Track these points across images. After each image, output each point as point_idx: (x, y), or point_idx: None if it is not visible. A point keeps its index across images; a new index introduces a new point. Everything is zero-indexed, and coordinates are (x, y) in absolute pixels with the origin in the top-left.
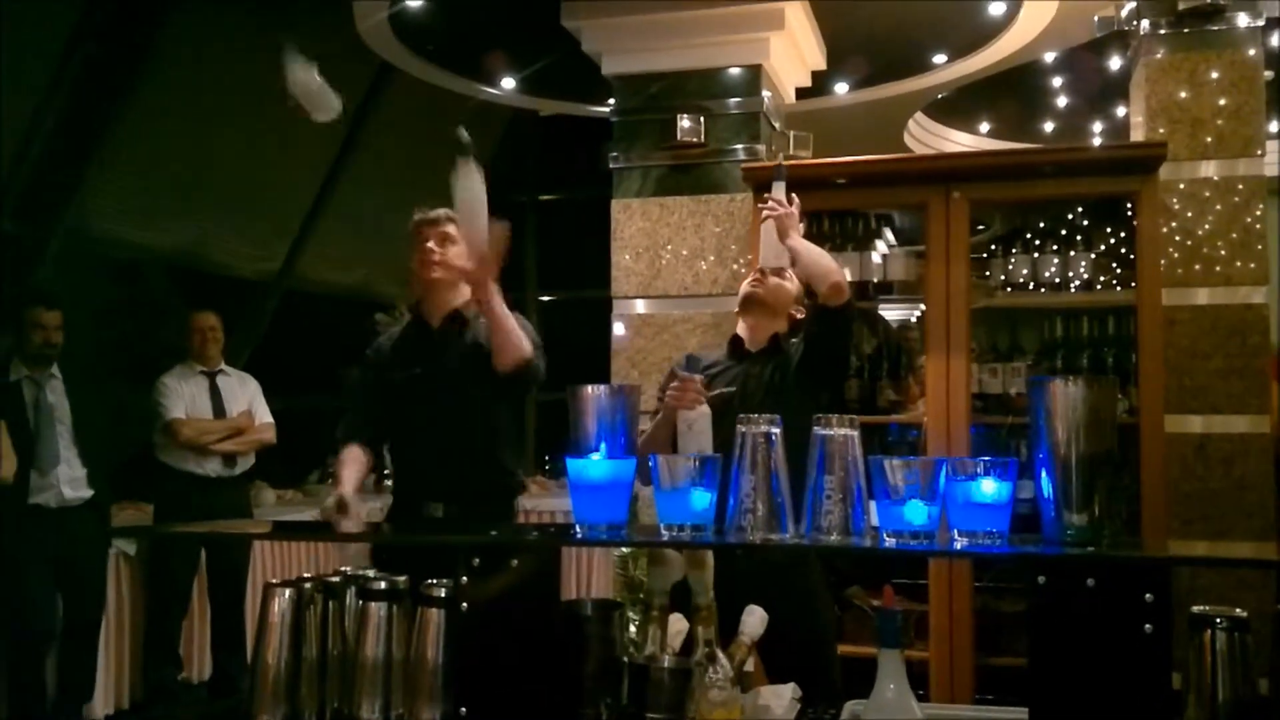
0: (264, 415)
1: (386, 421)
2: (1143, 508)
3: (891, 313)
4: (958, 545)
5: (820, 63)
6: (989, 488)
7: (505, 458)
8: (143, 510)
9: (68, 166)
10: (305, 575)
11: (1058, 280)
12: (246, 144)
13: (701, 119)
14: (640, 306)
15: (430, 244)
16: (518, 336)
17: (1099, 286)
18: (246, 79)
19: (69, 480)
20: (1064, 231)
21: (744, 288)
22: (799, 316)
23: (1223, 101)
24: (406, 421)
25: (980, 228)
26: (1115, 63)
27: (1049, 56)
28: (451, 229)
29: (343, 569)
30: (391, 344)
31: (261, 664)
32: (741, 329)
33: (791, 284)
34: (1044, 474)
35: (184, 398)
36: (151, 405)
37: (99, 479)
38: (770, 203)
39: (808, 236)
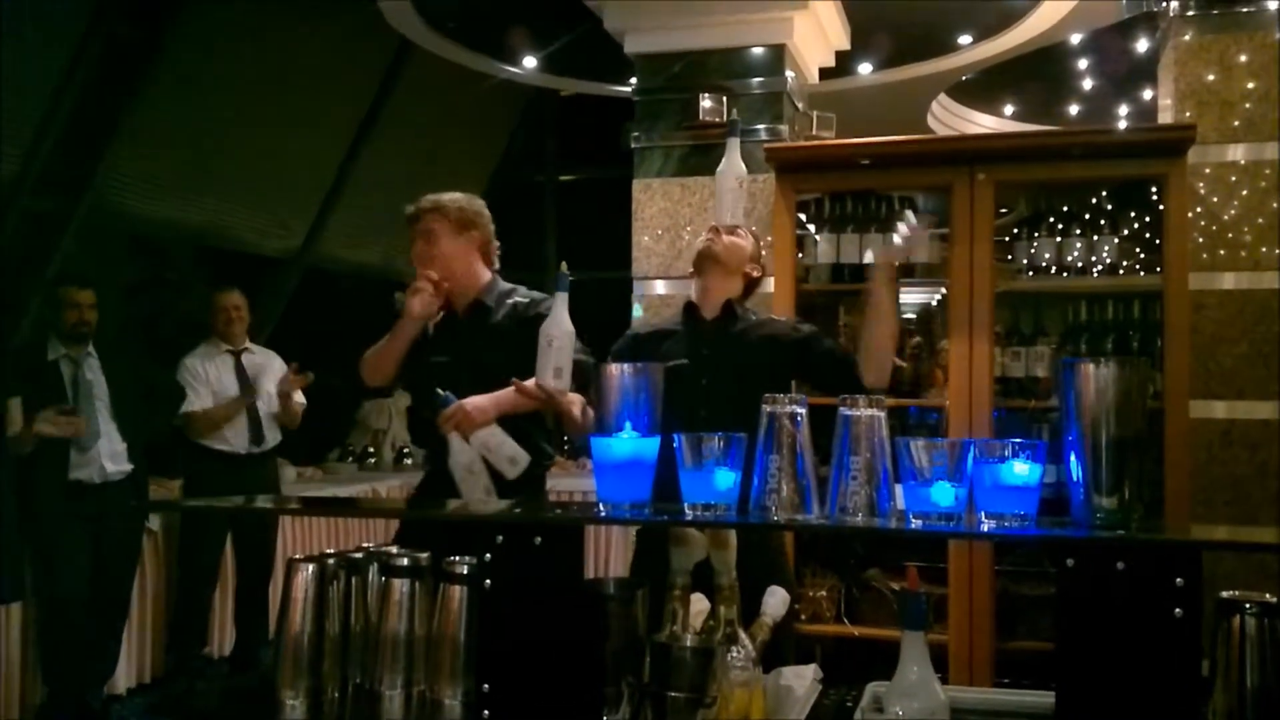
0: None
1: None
2: (1166, 493)
3: (914, 295)
4: (985, 527)
5: (844, 43)
6: (1021, 469)
7: (539, 439)
8: (168, 486)
9: (89, 144)
10: (328, 551)
11: (1081, 264)
12: (267, 121)
13: (724, 99)
14: (660, 287)
15: (418, 243)
16: (585, 424)
17: (1122, 271)
18: (268, 56)
19: (110, 455)
20: (1088, 215)
21: (699, 244)
22: (755, 275)
23: (1251, 85)
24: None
25: (1003, 211)
26: (1142, 45)
27: (1075, 38)
28: (435, 224)
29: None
30: (431, 327)
31: (285, 639)
32: (695, 292)
33: (746, 241)
34: (1073, 457)
35: (208, 381)
36: (176, 388)
37: (137, 453)
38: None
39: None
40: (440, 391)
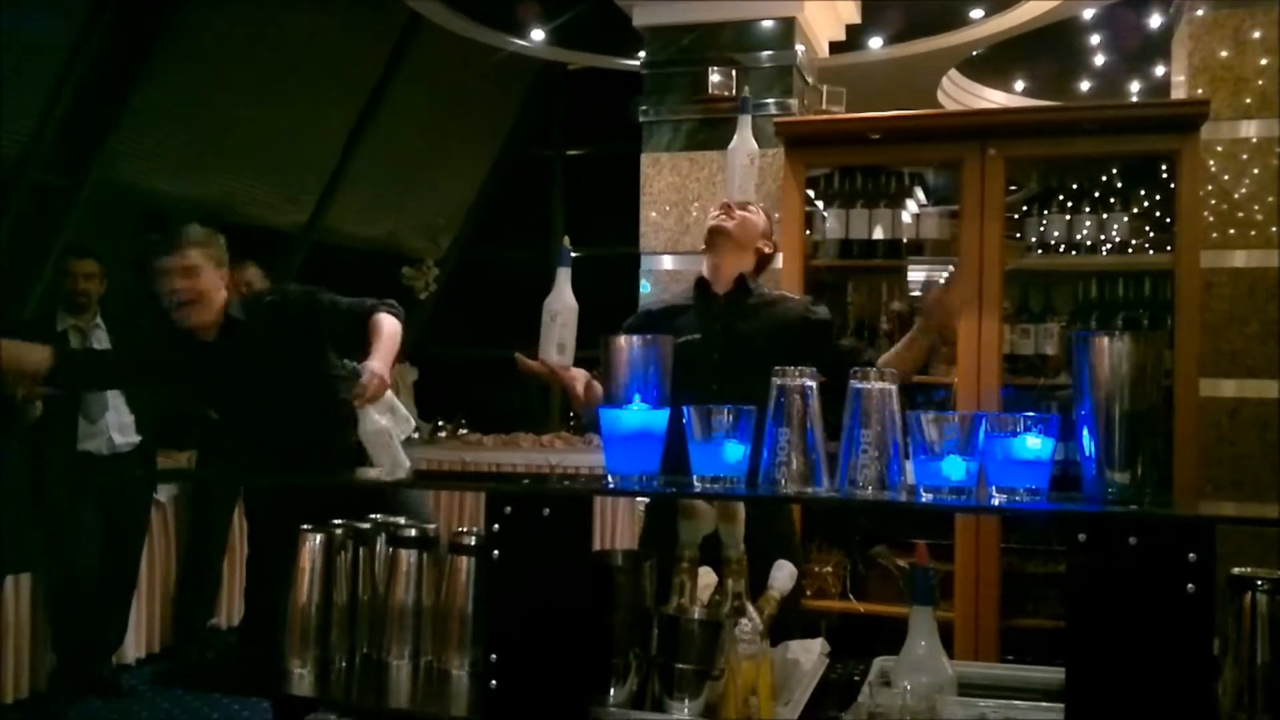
0: None
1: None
2: (1175, 470)
3: (922, 272)
4: (996, 501)
5: (854, 16)
6: (1033, 443)
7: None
8: (176, 458)
9: (98, 119)
10: (336, 521)
11: (1091, 242)
12: (275, 96)
13: (733, 72)
14: (668, 262)
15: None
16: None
17: (1132, 249)
18: (276, 31)
19: (118, 426)
20: (1098, 192)
21: (710, 222)
22: (767, 251)
23: (1265, 61)
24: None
25: (1013, 188)
26: (1155, 20)
27: (1087, 13)
28: (193, 256)
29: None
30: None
31: (292, 609)
32: (706, 268)
33: (758, 217)
34: (1086, 431)
35: None
36: None
37: (145, 425)
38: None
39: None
40: (348, 363)
